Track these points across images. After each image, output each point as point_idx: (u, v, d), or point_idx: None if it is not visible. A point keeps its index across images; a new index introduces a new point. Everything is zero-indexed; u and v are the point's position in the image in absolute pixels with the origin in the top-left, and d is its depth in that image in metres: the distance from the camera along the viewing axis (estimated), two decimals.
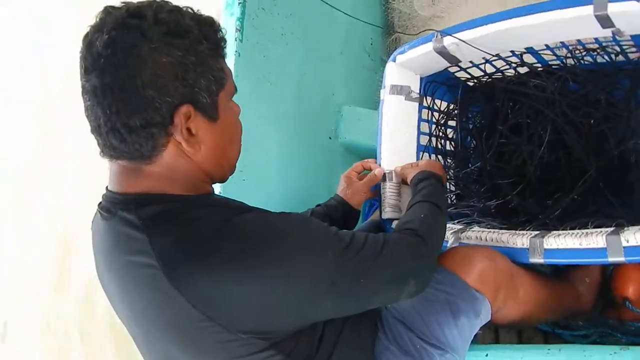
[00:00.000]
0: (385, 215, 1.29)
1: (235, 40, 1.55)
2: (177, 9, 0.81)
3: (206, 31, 0.82)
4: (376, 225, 1.38)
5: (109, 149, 0.81)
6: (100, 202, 0.87)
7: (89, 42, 0.78)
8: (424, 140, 1.41)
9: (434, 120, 1.44)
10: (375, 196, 1.35)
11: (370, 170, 1.36)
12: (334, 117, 1.78)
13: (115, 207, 0.83)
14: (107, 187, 0.88)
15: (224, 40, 0.87)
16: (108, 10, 0.79)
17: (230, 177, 0.95)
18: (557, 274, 1.28)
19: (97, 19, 0.79)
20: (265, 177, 1.56)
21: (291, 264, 0.79)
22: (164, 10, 0.80)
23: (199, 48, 0.80)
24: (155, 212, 0.80)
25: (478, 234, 1.14)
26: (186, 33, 0.79)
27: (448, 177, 1.44)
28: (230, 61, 1.54)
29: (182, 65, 0.78)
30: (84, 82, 0.79)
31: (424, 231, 0.96)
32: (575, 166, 1.25)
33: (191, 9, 0.84)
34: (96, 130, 0.80)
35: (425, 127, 1.42)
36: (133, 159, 0.81)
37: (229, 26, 1.56)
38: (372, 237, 0.89)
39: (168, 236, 0.77)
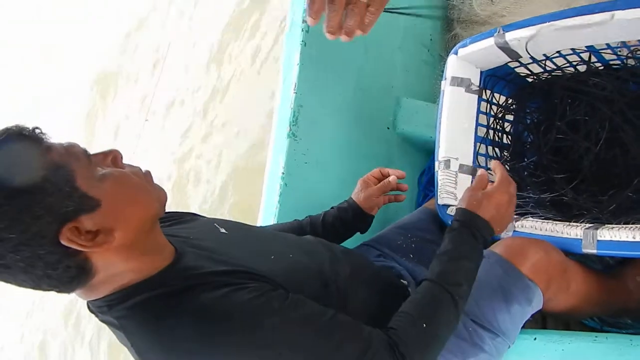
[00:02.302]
0: (441, 201, 1.34)
1: (302, 30, 1.63)
2: None
3: (8, 161, 0.74)
4: (428, 213, 1.43)
5: (59, 292, 0.82)
6: (88, 306, 0.90)
7: None
8: (482, 132, 1.45)
9: (492, 113, 1.48)
10: (386, 202, 1.37)
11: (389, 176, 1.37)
12: (393, 109, 1.84)
13: (95, 310, 0.87)
14: None
15: (34, 133, 0.78)
16: None
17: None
18: (608, 271, 1.30)
19: None
20: (324, 161, 1.63)
21: (245, 351, 0.80)
22: None
23: (18, 185, 0.72)
24: (123, 312, 0.82)
25: (533, 224, 1.18)
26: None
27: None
28: (296, 50, 1.63)
29: (18, 213, 0.72)
30: None
31: (411, 337, 0.87)
32: (631, 164, 1.27)
33: None
34: (34, 289, 0.81)
35: (483, 119, 1.46)
36: (79, 285, 0.82)
37: (296, 16, 1.65)
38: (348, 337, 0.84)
39: (137, 336, 0.82)
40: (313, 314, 0.85)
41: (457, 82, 1.44)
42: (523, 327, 1.10)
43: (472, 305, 1.03)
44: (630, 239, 1.03)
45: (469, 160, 1.43)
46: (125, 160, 0.89)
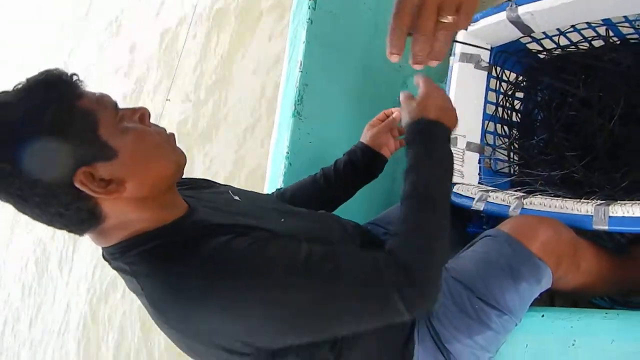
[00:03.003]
0: None
1: (309, 7, 1.59)
2: (3, 103, 0.78)
3: (39, 97, 0.78)
4: None
5: (70, 232, 0.85)
6: (102, 254, 0.91)
7: None
8: (491, 109, 1.42)
9: (501, 90, 1.44)
10: (397, 147, 1.32)
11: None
12: (400, 88, 1.79)
13: (108, 257, 0.89)
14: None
15: (71, 79, 0.82)
16: None
17: (187, 166, 0.92)
18: (620, 250, 1.26)
19: None
20: (330, 141, 1.60)
21: (251, 299, 0.80)
22: None
23: (44, 120, 0.76)
24: (135, 257, 0.84)
25: (542, 200, 1.14)
26: (19, 122, 0.76)
27: (513, 148, 1.44)
28: (302, 28, 1.60)
29: (41, 149, 0.76)
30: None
31: (404, 249, 0.88)
32: None
33: (22, 82, 0.80)
34: (47, 225, 0.84)
35: (492, 96, 1.43)
36: (89, 228, 0.85)
37: None
38: (351, 266, 0.84)
39: (148, 279, 0.83)
40: (323, 252, 0.84)
41: (466, 58, 1.41)
42: (531, 305, 1.07)
43: (479, 283, 1.01)
44: None
45: (476, 138, 1.40)
46: None
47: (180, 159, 0.90)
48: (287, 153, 1.52)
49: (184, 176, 0.95)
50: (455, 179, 1.30)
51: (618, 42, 1.31)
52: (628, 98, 1.25)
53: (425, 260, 0.87)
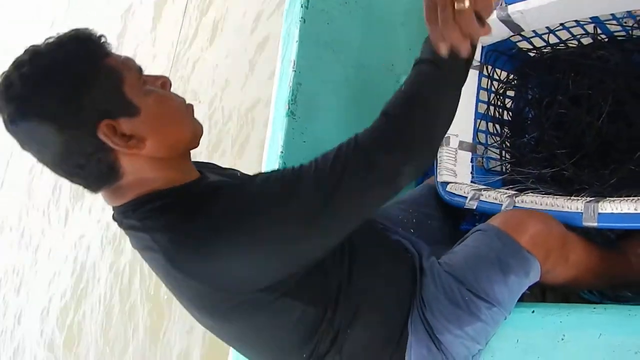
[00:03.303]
0: (440, 178, 1.32)
1: (302, 6, 1.60)
2: (33, 53, 0.82)
3: (71, 50, 0.82)
4: (429, 189, 1.41)
5: (85, 187, 0.89)
6: (113, 215, 0.94)
7: (3, 121, 0.84)
8: (482, 108, 1.43)
9: (492, 89, 1.45)
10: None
11: None
12: (393, 87, 1.79)
13: (119, 216, 0.91)
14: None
15: (99, 39, 0.86)
16: None
17: (200, 142, 0.95)
18: (610, 245, 1.28)
19: None
20: (324, 140, 1.59)
21: (265, 230, 0.82)
22: (23, 65, 0.81)
23: (74, 71, 0.81)
24: (148, 212, 0.86)
25: (533, 198, 1.16)
26: (51, 70, 0.81)
27: (504, 146, 1.46)
28: (295, 27, 1.61)
29: (69, 97, 0.80)
30: (29, 153, 0.86)
31: (401, 108, 0.86)
32: (635, 137, 1.25)
33: (53, 36, 0.84)
34: (67, 179, 0.88)
35: (484, 95, 1.44)
36: (106, 183, 0.88)
37: None
38: (338, 154, 0.83)
39: (163, 231, 0.85)
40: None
41: None
42: (522, 301, 1.09)
43: (469, 275, 1.03)
44: (632, 210, 1.01)
45: (468, 137, 1.41)
46: None
47: (197, 128, 0.95)
48: (282, 152, 1.54)
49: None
50: (447, 178, 1.32)
51: (606, 40, 1.32)
52: (616, 95, 1.27)
53: (418, 110, 0.85)
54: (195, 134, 0.94)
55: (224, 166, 1.21)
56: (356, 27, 1.72)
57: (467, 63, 0.88)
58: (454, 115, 0.90)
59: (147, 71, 0.92)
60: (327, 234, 0.86)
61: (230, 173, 1.13)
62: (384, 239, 1.17)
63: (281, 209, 0.82)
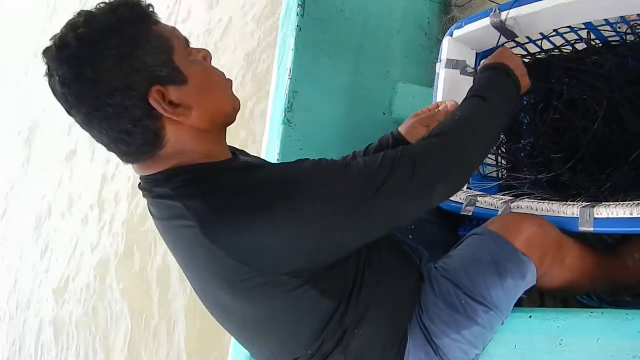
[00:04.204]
0: None
1: (297, 15, 1.61)
2: (87, 15, 0.85)
3: (124, 13, 0.84)
4: None
5: (127, 156, 0.91)
6: (139, 184, 0.95)
7: (51, 85, 0.86)
8: None
9: None
10: None
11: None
12: (389, 94, 1.82)
13: (149, 185, 0.92)
14: (140, 176, 0.96)
15: (148, 7, 0.88)
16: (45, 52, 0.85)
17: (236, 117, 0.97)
18: (607, 249, 1.28)
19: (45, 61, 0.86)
20: (320, 148, 1.62)
21: (307, 207, 0.84)
22: (78, 26, 0.83)
23: (127, 34, 0.83)
24: (183, 181, 0.87)
25: (529, 204, 1.16)
26: (106, 31, 0.83)
27: (500, 151, 1.46)
28: (291, 35, 1.62)
29: (123, 59, 0.82)
30: (74, 119, 0.89)
31: (451, 130, 0.94)
32: (629, 141, 1.25)
33: (103, 2, 0.87)
34: (108, 147, 0.90)
35: None
36: (148, 152, 0.89)
37: (291, 1, 1.63)
38: (385, 157, 0.89)
39: (198, 199, 0.85)
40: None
41: (453, 64, 1.43)
42: (520, 306, 1.09)
43: (465, 279, 1.03)
44: (627, 215, 1.01)
45: None
46: None
47: (235, 102, 0.97)
48: (278, 160, 1.54)
49: None
50: None
51: (600, 45, 1.33)
52: (610, 100, 1.27)
53: (464, 136, 0.94)
54: (234, 107, 0.96)
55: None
56: (352, 35, 1.73)
57: (516, 99, 1.05)
58: (492, 147, 1.01)
59: None
60: (360, 230, 0.89)
61: (260, 160, 1.14)
62: (396, 243, 1.18)
63: (327, 190, 0.84)
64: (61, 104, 0.87)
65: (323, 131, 1.64)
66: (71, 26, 0.84)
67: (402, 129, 1.28)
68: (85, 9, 0.87)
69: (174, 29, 0.91)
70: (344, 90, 1.71)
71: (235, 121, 0.97)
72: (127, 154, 0.90)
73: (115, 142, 0.88)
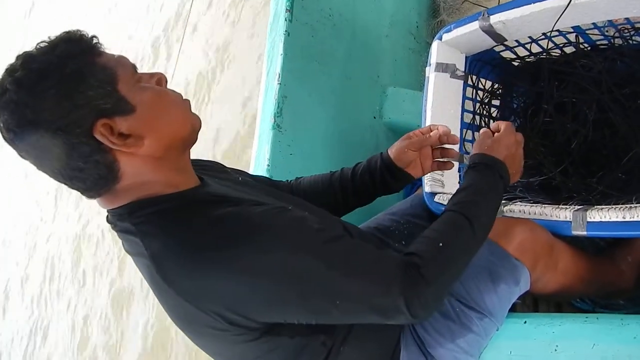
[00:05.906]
0: (428, 189, 1.32)
1: (285, 20, 1.60)
2: (26, 57, 0.82)
3: (64, 50, 0.82)
4: (419, 200, 1.40)
5: (86, 192, 0.87)
6: (107, 217, 0.92)
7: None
8: (468, 118, 1.43)
9: (478, 98, 1.45)
10: (434, 169, 1.20)
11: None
12: (379, 98, 1.81)
13: (114, 219, 0.89)
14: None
15: (92, 40, 0.86)
16: None
17: (197, 137, 0.93)
18: (600, 253, 1.28)
19: None
20: (311, 152, 1.61)
21: (260, 263, 0.79)
22: (16, 70, 0.81)
23: (67, 71, 0.80)
24: (142, 217, 0.85)
25: (521, 207, 1.16)
26: (45, 71, 0.80)
27: None
28: (279, 41, 1.60)
29: (63, 97, 0.79)
30: (28, 161, 0.86)
31: (428, 256, 0.86)
32: (620, 144, 1.25)
33: (44, 40, 0.84)
34: (67, 185, 0.87)
35: (469, 105, 1.44)
36: (105, 186, 0.86)
37: (279, 7, 1.62)
38: (364, 253, 0.85)
39: (156, 239, 0.83)
40: (335, 234, 0.87)
41: (442, 68, 1.42)
42: (514, 311, 1.09)
43: (458, 286, 1.02)
44: (620, 219, 1.01)
45: (455, 147, 1.40)
46: None
47: (195, 122, 0.93)
48: (268, 166, 1.52)
49: (196, 158, 0.99)
50: (435, 189, 1.32)
51: (588, 48, 1.33)
52: (600, 103, 1.27)
53: (443, 275, 0.85)
54: (193, 127, 0.92)
55: (230, 167, 1.17)
56: (341, 40, 1.72)
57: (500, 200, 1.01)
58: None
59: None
60: (307, 305, 0.83)
61: (236, 175, 1.09)
62: None
63: (282, 255, 0.80)
64: (13, 148, 0.84)
65: (313, 136, 1.63)
66: (9, 71, 0.81)
67: (391, 152, 1.18)
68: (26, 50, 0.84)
69: (120, 57, 0.88)
70: (334, 94, 1.70)
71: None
72: (86, 190, 0.87)
73: (70, 180, 0.85)
